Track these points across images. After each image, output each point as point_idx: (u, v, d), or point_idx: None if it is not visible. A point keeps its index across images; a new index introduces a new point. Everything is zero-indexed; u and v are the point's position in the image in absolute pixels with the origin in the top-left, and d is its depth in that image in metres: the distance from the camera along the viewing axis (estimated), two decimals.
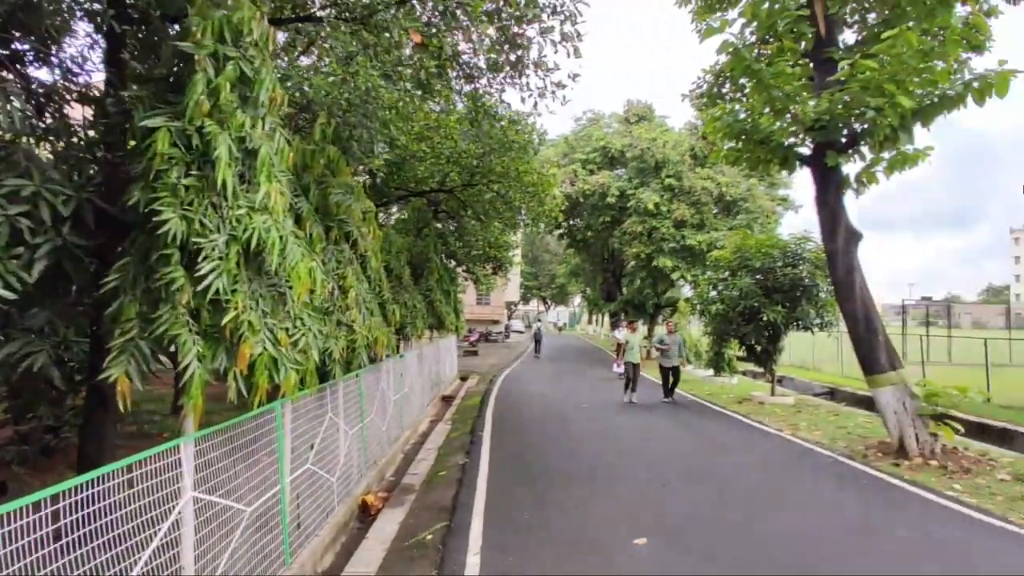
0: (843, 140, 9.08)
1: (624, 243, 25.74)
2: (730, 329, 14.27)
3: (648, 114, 28.36)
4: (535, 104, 9.30)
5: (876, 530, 5.61)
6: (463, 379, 20.38)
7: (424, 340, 16.62)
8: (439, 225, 17.62)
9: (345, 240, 6.86)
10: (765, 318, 13.13)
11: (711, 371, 18.75)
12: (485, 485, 6.98)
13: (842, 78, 8.18)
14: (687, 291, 29.18)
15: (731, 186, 24.68)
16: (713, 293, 14.91)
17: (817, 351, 22.60)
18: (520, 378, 19.87)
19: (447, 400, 15.63)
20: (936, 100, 8.50)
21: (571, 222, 30.63)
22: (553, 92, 9.11)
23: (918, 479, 7.31)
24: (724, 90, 12.71)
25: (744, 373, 19.45)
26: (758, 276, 13.69)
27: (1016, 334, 31.67)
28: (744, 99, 11.07)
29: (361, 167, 9.17)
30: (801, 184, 37.15)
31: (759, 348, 14.19)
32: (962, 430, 8.49)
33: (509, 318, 63.45)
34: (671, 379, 13.90)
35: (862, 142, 9.02)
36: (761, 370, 15.25)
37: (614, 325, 41.44)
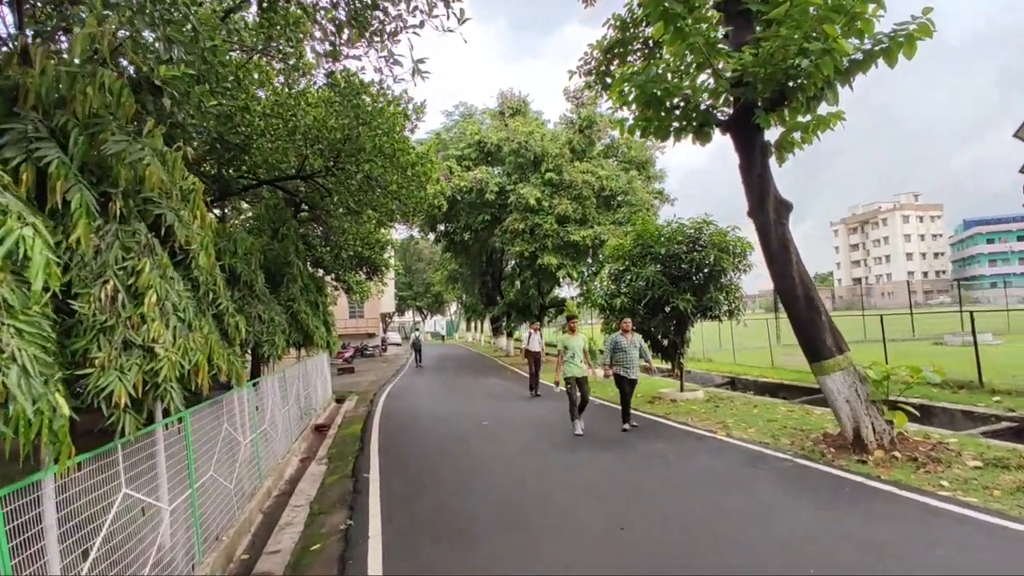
0: (768, 98, 8.05)
1: (506, 242, 24.29)
2: (634, 323, 13.13)
3: (523, 107, 27.21)
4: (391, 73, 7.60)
5: (918, 560, 4.30)
6: (339, 401, 17.78)
7: (290, 360, 13.99)
8: (302, 230, 15.05)
9: (141, 220, 4.52)
10: (673, 308, 12.10)
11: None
12: (380, 567, 4.91)
13: (775, 18, 7.06)
14: (570, 290, 28.41)
15: (612, 179, 24.09)
16: (613, 286, 13.74)
17: (706, 341, 22.54)
18: (405, 395, 17.64)
19: (321, 430, 13.13)
20: (861, 55, 7.68)
21: (447, 225, 28.80)
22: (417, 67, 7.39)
23: (899, 479, 6.26)
24: (612, 67, 11.58)
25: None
26: (661, 264, 12.67)
27: (841, 313, 33.92)
28: (652, 59, 9.88)
29: (182, 133, 6.70)
30: (675, 177, 38.07)
31: (666, 341, 13.19)
32: (917, 415, 7.72)
33: (385, 330, 60.28)
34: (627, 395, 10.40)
35: (788, 102, 8.03)
36: (667, 366, 14.29)
37: (496, 331, 40.14)
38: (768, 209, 8.34)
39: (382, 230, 16.49)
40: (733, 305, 12.45)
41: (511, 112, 26.92)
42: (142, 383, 3.79)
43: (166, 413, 5.02)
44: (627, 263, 13.38)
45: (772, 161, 8.60)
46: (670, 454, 8.19)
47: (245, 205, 14.59)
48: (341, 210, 12.52)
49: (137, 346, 3.80)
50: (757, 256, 10.73)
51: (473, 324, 66.41)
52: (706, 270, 12.25)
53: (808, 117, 8.17)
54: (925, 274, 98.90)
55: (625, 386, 10.23)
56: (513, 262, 31.67)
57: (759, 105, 7.94)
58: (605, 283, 13.97)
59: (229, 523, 6.45)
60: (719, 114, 8.78)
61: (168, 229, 5.15)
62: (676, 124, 9.00)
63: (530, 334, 17.41)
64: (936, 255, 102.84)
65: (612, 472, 7.38)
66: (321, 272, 18.12)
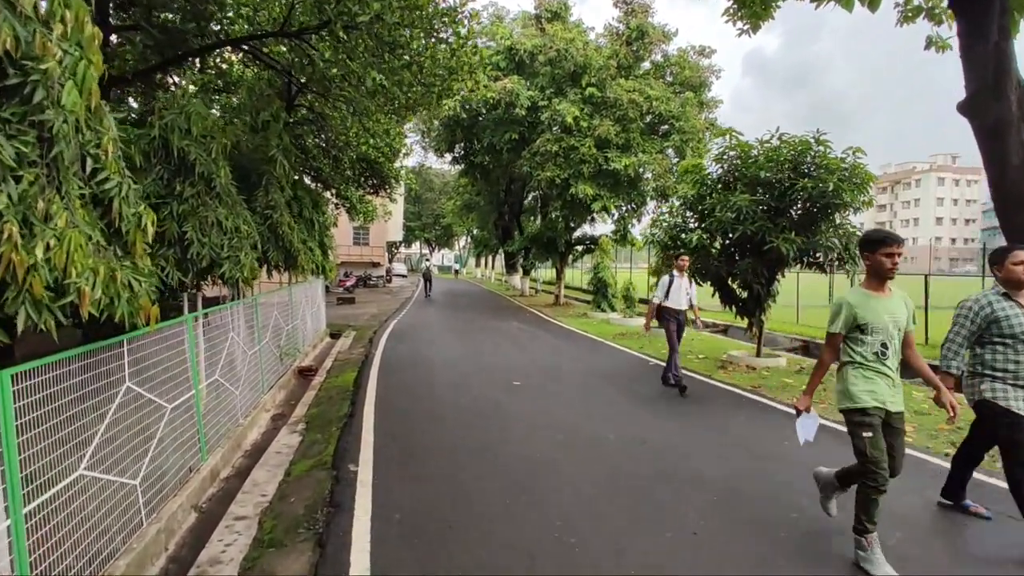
0: None
1: (535, 166, 21.03)
2: (711, 268, 10.26)
3: (563, 11, 23.35)
4: None
5: None
6: (334, 336, 15.18)
7: (272, 285, 11.26)
8: (297, 131, 12.00)
9: None
10: (770, 249, 9.19)
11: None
12: None
13: None
14: (605, 226, 25.43)
15: (663, 101, 20.63)
16: (689, 216, 10.78)
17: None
18: (411, 334, 14.97)
19: (306, 374, 10.52)
20: None
21: (467, 144, 25.49)
22: None
23: None
24: None
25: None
26: (754, 192, 9.67)
27: None
28: None
29: None
30: (732, 103, 33.71)
31: (746, 293, 10.34)
32: None
33: (391, 261, 57.69)
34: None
35: None
36: (739, 324, 11.42)
37: (510, 268, 37.35)
38: (1009, 97, 5.32)
39: (393, 127, 13.29)
40: (851, 252, 9.49)
41: (549, 16, 23.12)
42: None
43: None
44: (708, 188, 10.38)
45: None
46: (836, 459, 5.47)
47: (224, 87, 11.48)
48: (341, 89, 9.37)
49: None
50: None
51: (484, 260, 63.66)
52: (819, 203, 9.24)
53: None
54: (953, 240, 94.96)
55: (674, 327, 8.68)
56: (536, 192, 28.53)
57: None
58: (677, 212, 10.97)
59: (123, 546, 3.82)
60: None
61: None
62: None
63: (671, 278, 8.91)
64: (968, 221, 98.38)
65: (747, 493, 4.68)
66: (321, 187, 15.16)
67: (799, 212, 9.57)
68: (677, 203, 10.97)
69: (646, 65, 23.11)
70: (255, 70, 11.44)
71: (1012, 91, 5.27)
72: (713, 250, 10.39)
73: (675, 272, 8.96)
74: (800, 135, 9.77)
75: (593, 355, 11.98)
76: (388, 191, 16.56)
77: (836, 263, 9.77)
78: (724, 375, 9.65)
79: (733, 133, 10.31)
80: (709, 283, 10.71)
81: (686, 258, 9.09)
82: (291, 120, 11.26)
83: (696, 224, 10.63)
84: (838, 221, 9.64)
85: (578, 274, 36.85)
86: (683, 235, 10.72)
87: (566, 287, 29.03)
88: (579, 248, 25.50)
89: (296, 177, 10.94)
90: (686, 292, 8.88)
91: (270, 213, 8.67)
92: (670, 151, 22.37)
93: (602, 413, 7.25)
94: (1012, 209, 5.25)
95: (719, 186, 10.39)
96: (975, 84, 5.39)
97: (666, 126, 21.81)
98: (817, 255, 9.61)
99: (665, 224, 11.11)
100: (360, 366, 10.49)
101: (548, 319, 19.08)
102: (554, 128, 21.03)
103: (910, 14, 10.36)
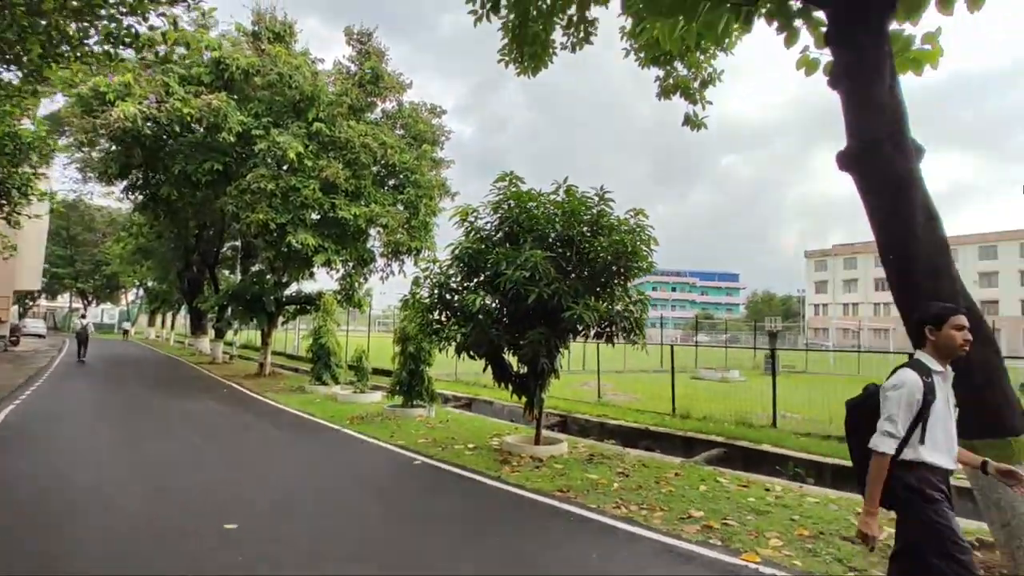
0: None
1: (243, 206, 17.06)
2: (495, 336, 8.32)
3: (288, 34, 20.25)
4: None
5: None
6: None
7: None
8: None
9: None
10: (571, 317, 7.64)
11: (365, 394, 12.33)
12: None
13: None
14: (328, 283, 22.27)
15: (398, 150, 18.80)
16: (459, 274, 8.72)
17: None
18: (40, 430, 9.74)
19: None
20: None
21: (148, 173, 20.03)
22: None
23: None
24: None
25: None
26: (548, 250, 8.15)
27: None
28: None
29: None
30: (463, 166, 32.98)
31: (531, 368, 8.63)
32: None
33: (22, 316, 44.11)
34: None
35: None
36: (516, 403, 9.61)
37: (198, 330, 30.99)
38: (910, 147, 4.49)
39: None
40: (639, 320, 8.49)
41: (271, 37, 19.76)
42: None
43: None
44: (489, 241, 8.54)
45: None
46: None
47: None
48: None
49: None
50: None
51: (162, 318, 53.16)
52: (616, 265, 8.10)
53: None
54: None
55: None
56: (240, 240, 23.98)
57: None
58: (447, 268, 8.82)
59: None
60: None
61: None
62: None
63: None
64: None
65: None
66: None
67: (596, 274, 8.30)
68: (448, 257, 8.87)
69: (378, 113, 21.29)
70: None
71: (910, 140, 4.50)
72: (493, 316, 8.53)
73: None
74: (581, 190, 8.66)
75: (333, 453, 8.95)
76: (10, 208, 11.07)
77: (624, 333, 8.70)
78: (513, 474, 7.60)
79: (514, 179, 8.76)
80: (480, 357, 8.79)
81: None
82: None
83: (475, 284, 8.66)
84: (629, 286, 8.66)
85: (286, 336, 32.25)
86: (456, 296, 8.67)
87: (273, 353, 24.58)
88: (291, 308, 21.72)
89: None
90: None
91: None
92: (400, 206, 20.54)
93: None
94: (921, 275, 4.35)
95: (499, 237, 8.68)
96: (869, 133, 4.50)
97: (399, 178, 20.04)
98: (612, 325, 8.42)
99: (433, 281, 8.91)
100: None
101: (255, 396, 15.04)
102: (272, 163, 17.53)
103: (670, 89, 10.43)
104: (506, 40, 7.79)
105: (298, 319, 23.13)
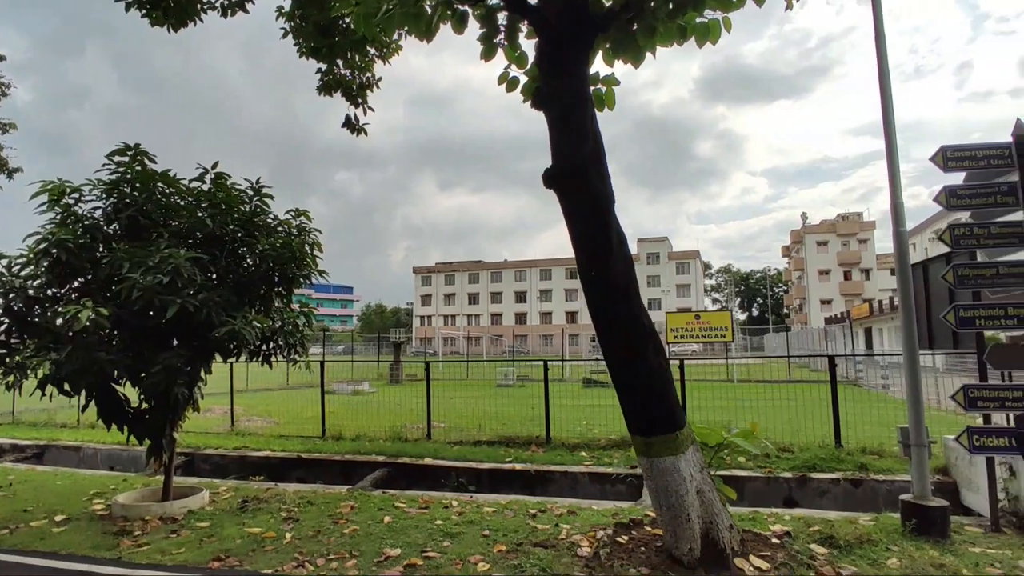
0: None
1: None
2: (105, 363, 6.08)
3: None
4: None
5: None
6: None
7: None
8: None
9: None
10: (228, 333, 6.08)
11: None
12: None
13: None
14: None
15: None
16: (51, 277, 6.14)
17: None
18: None
19: None
20: None
21: None
22: None
23: None
24: None
25: None
26: (199, 250, 6.38)
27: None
28: None
29: None
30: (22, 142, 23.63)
31: (158, 401, 6.63)
32: (735, 496, 5.42)
33: None
34: None
35: None
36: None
37: None
38: (605, 174, 4.73)
39: None
40: (303, 332, 7.34)
41: None
42: None
43: None
44: (98, 232, 6.25)
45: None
46: None
47: None
48: None
49: None
50: None
51: None
52: (279, 271, 6.82)
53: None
54: None
55: None
56: None
57: None
58: (26, 268, 6.07)
59: None
60: None
61: None
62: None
63: None
64: None
65: None
66: None
67: (254, 282, 6.87)
68: (27, 252, 6.19)
69: None
70: None
71: (605, 169, 4.77)
72: (103, 336, 6.30)
73: None
74: (231, 181, 7.21)
75: None
76: None
77: (284, 351, 7.46)
78: (140, 549, 5.64)
79: (142, 154, 6.69)
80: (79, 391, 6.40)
81: None
82: None
83: (75, 291, 6.24)
84: (294, 298, 7.48)
85: None
86: (41, 308, 6.13)
87: None
88: None
89: None
90: None
91: None
92: None
93: None
94: (614, 298, 4.64)
95: (115, 229, 6.50)
96: (575, 156, 4.61)
97: None
98: (271, 341, 7.08)
99: (11, 285, 6.10)
100: None
101: None
102: None
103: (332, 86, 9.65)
104: None
105: None
